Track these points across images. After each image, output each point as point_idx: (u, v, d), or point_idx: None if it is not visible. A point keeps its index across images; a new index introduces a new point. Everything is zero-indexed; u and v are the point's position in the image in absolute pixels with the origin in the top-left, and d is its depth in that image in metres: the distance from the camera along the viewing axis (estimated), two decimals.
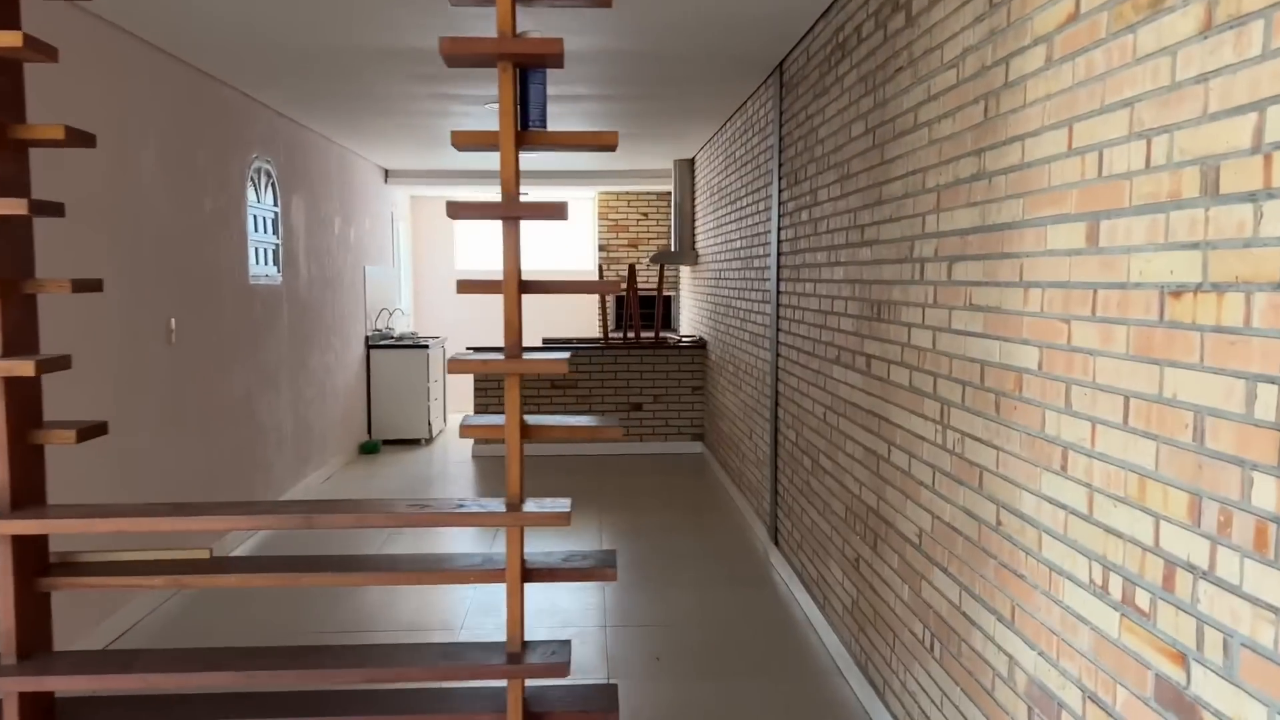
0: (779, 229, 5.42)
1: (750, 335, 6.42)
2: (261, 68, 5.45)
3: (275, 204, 6.75)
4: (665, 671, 4.05)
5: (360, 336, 9.10)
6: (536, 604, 4.80)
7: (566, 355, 2.36)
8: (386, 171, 10.31)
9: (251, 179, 6.32)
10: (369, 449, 8.93)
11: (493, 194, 11.06)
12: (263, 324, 6.40)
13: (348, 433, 8.62)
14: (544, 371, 2.21)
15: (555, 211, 2.19)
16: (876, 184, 3.58)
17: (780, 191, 5.39)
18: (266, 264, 6.59)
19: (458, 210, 2.20)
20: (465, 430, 2.26)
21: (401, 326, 10.85)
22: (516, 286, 2.20)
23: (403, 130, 7.77)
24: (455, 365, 2.19)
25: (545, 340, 9.27)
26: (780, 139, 5.40)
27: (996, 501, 2.53)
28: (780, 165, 5.40)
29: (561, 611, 4.72)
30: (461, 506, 2.31)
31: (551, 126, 7.50)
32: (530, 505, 2.33)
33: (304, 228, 7.35)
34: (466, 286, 2.21)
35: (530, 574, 2.28)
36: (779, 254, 5.42)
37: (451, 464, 8.58)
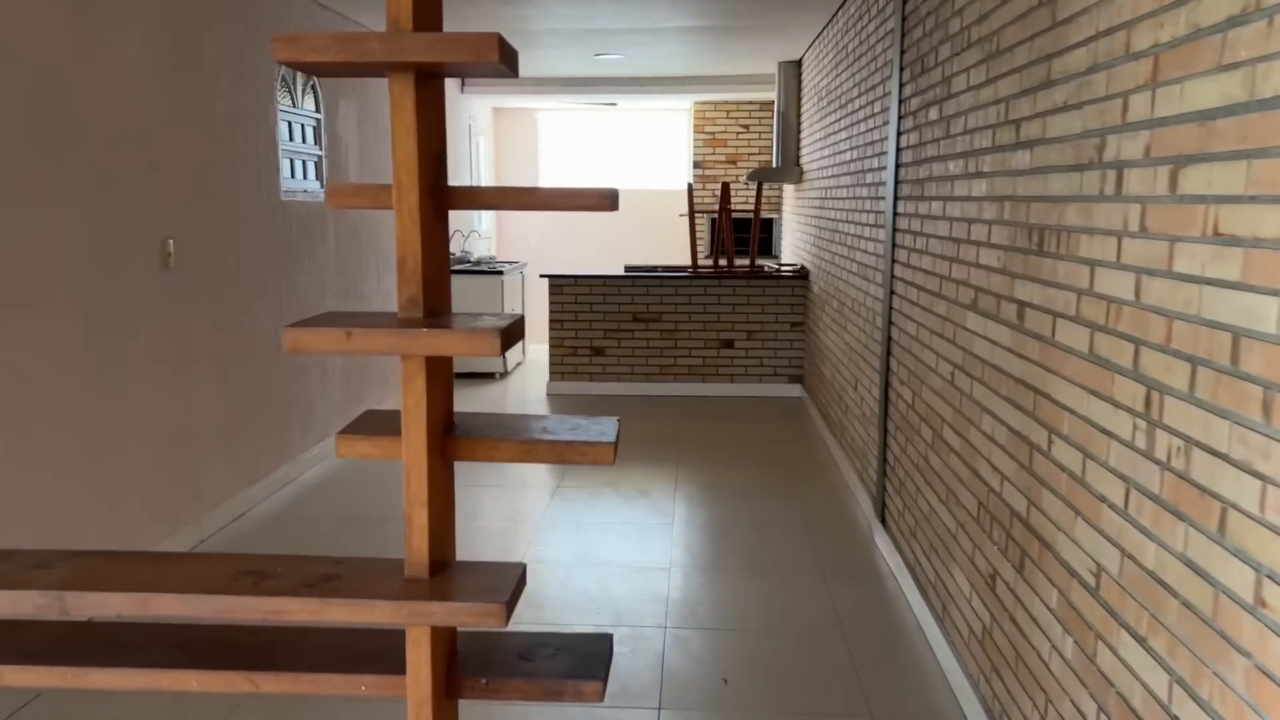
0: (898, 134, 4.33)
1: (859, 266, 5.37)
2: None
3: (317, 109, 5.95)
4: (735, 700, 3.17)
5: None
6: (588, 593, 3.97)
7: (490, 332, 1.44)
8: (462, 79, 9.42)
9: (285, 79, 5.51)
10: None
11: (587, 100, 10.09)
12: (300, 246, 5.65)
13: None
14: (447, 351, 1.31)
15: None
16: (1044, 57, 2.50)
17: (902, 86, 4.29)
18: (306, 178, 5.81)
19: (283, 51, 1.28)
20: (342, 446, 1.37)
21: (481, 250, 10.07)
22: (416, 194, 1.29)
23: (479, 28, 6.84)
24: (293, 337, 1.28)
25: (628, 268, 8.36)
26: (904, 19, 4.28)
27: (1254, 564, 1.53)
28: (903, 53, 4.29)
29: (614, 604, 3.88)
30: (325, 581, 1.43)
31: (634, 22, 6.48)
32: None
33: (355, 137, 6.54)
34: (338, 194, 1.32)
35: (459, 687, 1.40)
36: (897, 165, 4.34)
37: (524, 402, 7.81)
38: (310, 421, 5.82)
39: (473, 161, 9.81)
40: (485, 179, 10.53)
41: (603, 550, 4.46)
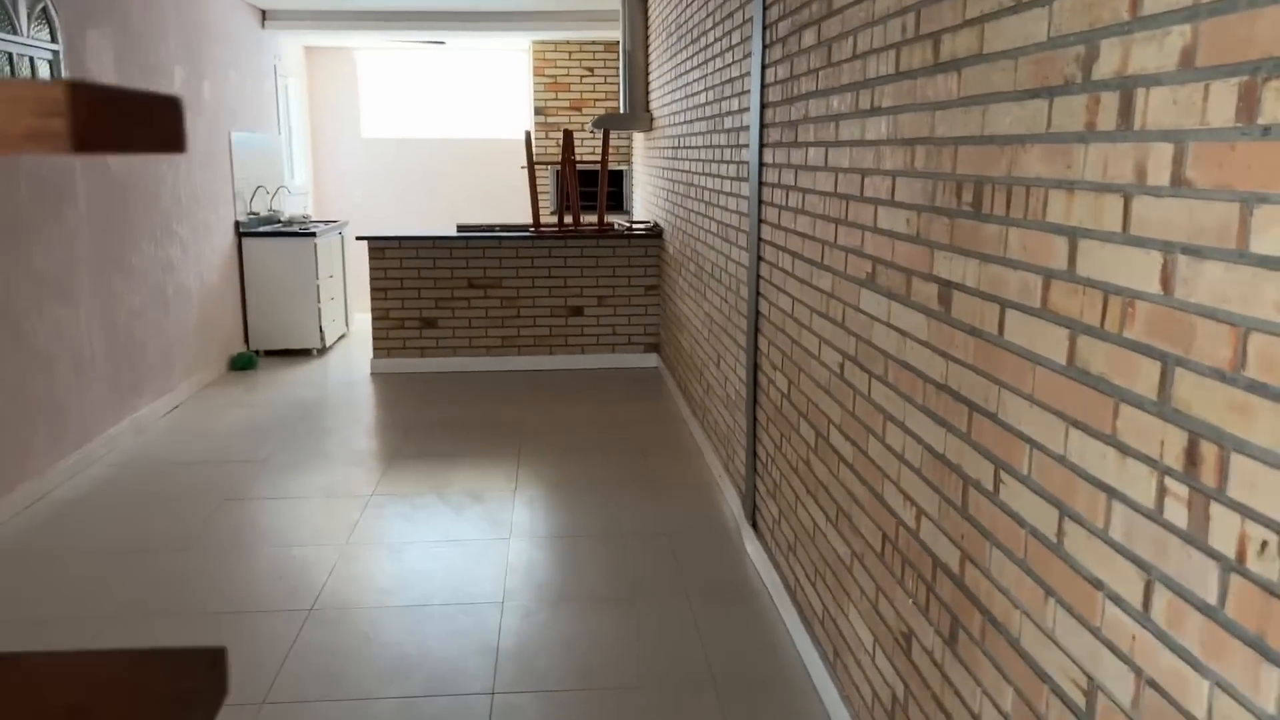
0: (763, 67, 3.60)
1: (718, 226, 4.65)
2: None
3: (53, 40, 4.78)
4: None
5: (228, 221, 7.20)
6: (398, 647, 3.14)
7: None
8: (264, 12, 8.20)
9: (3, 3, 4.34)
10: (241, 363, 7.14)
11: (409, 38, 9.01)
12: (34, 212, 4.53)
13: (210, 345, 6.81)
14: None
15: None
16: None
17: (766, 8, 3.55)
18: None
19: None
20: None
21: (295, 208, 8.92)
22: None
23: None
24: None
25: (460, 227, 7.43)
26: None
27: None
28: None
29: (429, 662, 3.07)
30: None
31: None
32: None
33: (112, 77, 5.38)
34: None
35: None
36: (763, 106, 3.61)
37: (343, 384, 6.83)
38: (63, 426, 4.74)
39: (280, 105, 8.61)
40: (297, 125, 9.33)
41: (420, 583, 3.64)
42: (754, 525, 3.91)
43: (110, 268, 5.28)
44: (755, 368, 3.84)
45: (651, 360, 7.25)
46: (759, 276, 3.74)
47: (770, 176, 3.52)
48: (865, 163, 2.46)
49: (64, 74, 4.84)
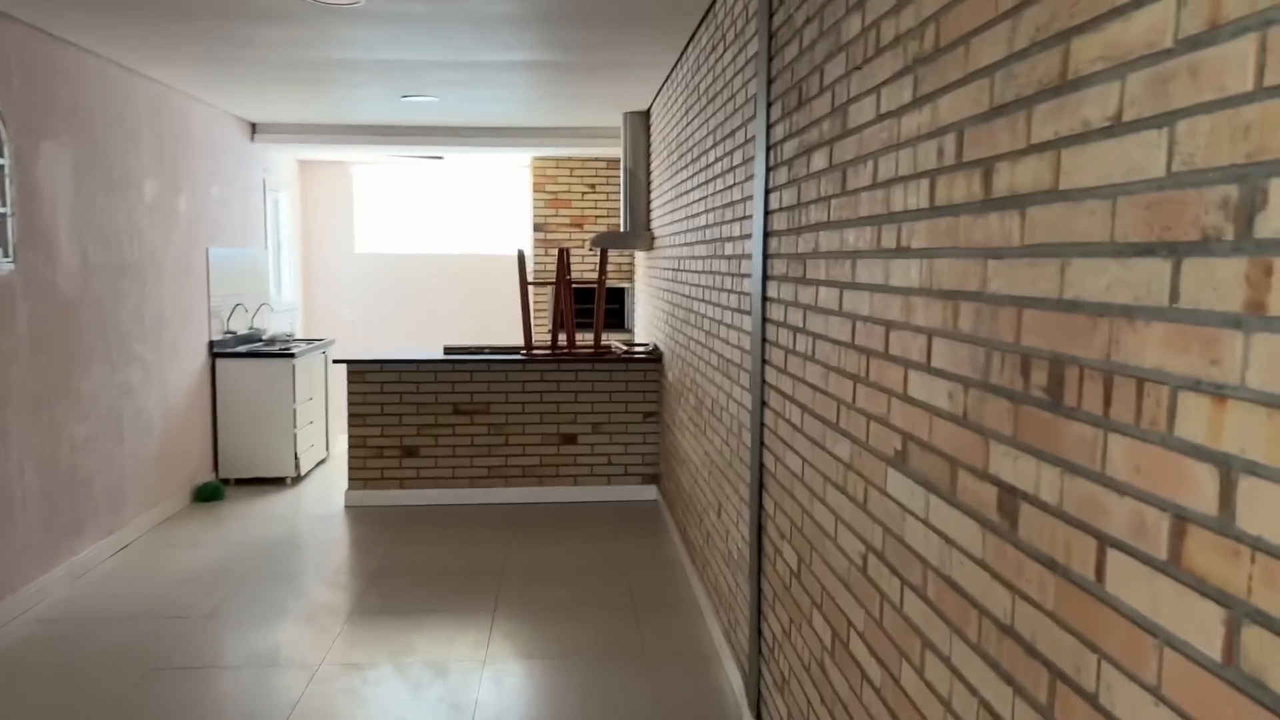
0: (766, 191, 3.17)
1: (719, 360, 4.18)
2: None
3: (0, 153, 4.42)
4: None
5: (201, 341, 6.77)
6: None
7: None
8: (254, 125, 7.95)
9: None
10: (206, 494, 6.60)
11: (405, 152, 8.76)
12: None
13: (173, 475, 6.30)
14: None
15: None
16: (1056, 35, 1.34)
17: (770, 127, 3.13)
18: None
19: None
20: None
21: (280, 325, 8.52)
22: None
23: (272, 70, 5.45)
24: None
25: (447, 349, 6.99)
26: (770, 36, 3.14)
27: None
28: (770, 81, 3.14)
29: None
30: None
31: (440, 54, 5.16)
32: None
33: (69, 192, 5.01)
34: None
35: None
36: (766, 234, 3.17)
37: (313, 519, 6.28)
38: None
39: (268, 219, 8.29)
40: (286, 239, 9.01)
41: None
42: (758, 716, 3.31)
43: (54, 395, 4.81)
44: (760, 529, 3.30)
45: (650, 493, 6.70)
46: (763, 424, 3.24)
47: (775, 313, 3.06)
48: (891, 313, 1.98)
49: (8, 189, 4.46)
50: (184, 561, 5.32)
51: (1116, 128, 1.17)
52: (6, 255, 4.45)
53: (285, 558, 5.45)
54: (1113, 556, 1.18)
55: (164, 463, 6.14)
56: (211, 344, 6.92)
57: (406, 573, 5.15)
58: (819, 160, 2.54)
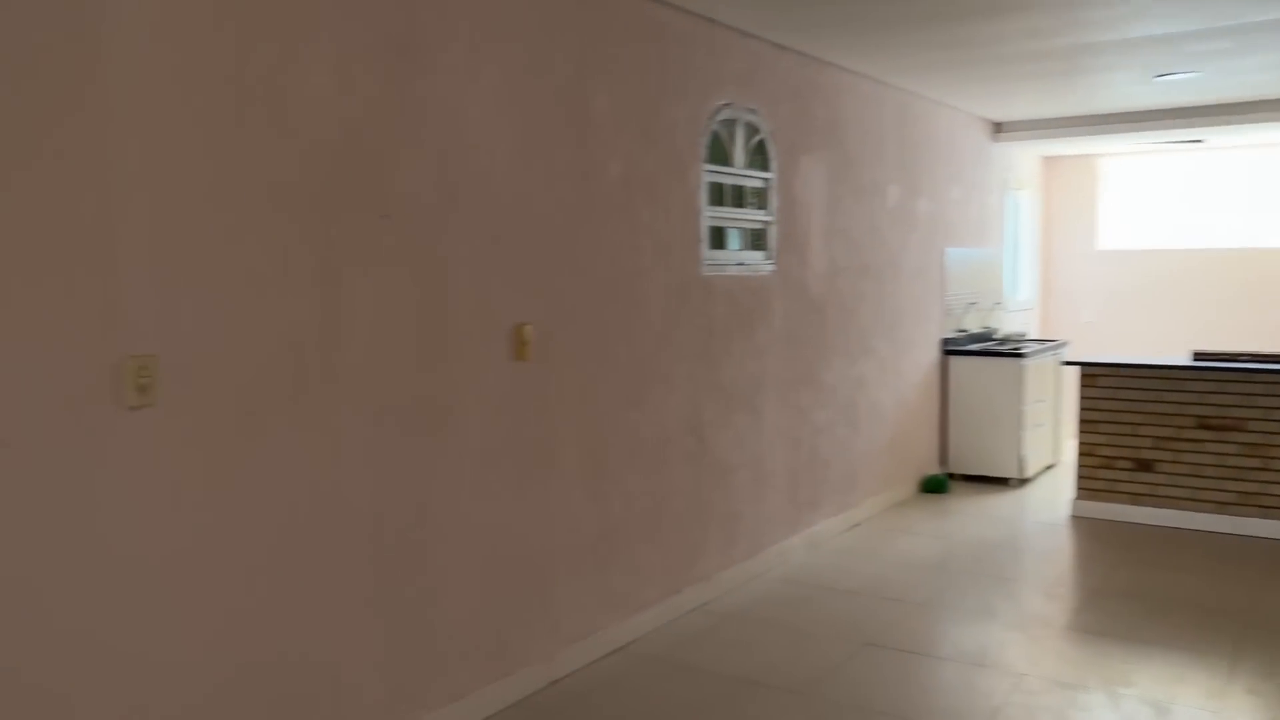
0: None
1: None
2: None
3: (767, 169, 5.09)
4: None
5: (933, 339, 7.02)
6: None
7: None
8: (997, 125, 7.96)
9: (718, 134, 4.74)
10: (932, 486, 6.83)
11: (1159, 138, 8.05)
12: (728, 328, 4.81)
13: (902, 464, 6.64)
14: None
15: None
16: None
17: None
18: (743, 249, 4.97)
19: None
20: None
21: (1013, 325, 8.44)
22: None
23: (1011, 65, 5.52)
24: None
25: (1197, 355, 6.16)
26: None
27: None
28: None
29: None
30: None
31: (1206, 20, 4.57)
32: None
33: (822, 201, 5.57)
34: None
35: None
36: None
37: (1035, 524, 6.09)
38: (733, 536, 4.91)
39: (1006, 219, 8.25)
40: (1025, 239, 8.85)
41: None
42: None
43: (798, 383, 5.40)
44: None
45: None
46: None
47: None
48: None
49: (773, 200, 5.11)
50: (905, 547, 5.57)
51: None
52: (768, 258, 5.11)
53: (1003, 559, 5.38)
54: None
55: (894, 451, 6.50)
56: (944, 341, 7.12)
57: (1132, 596, 4.70)
58: None
